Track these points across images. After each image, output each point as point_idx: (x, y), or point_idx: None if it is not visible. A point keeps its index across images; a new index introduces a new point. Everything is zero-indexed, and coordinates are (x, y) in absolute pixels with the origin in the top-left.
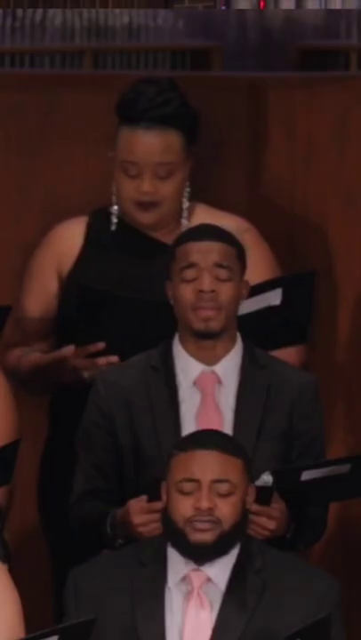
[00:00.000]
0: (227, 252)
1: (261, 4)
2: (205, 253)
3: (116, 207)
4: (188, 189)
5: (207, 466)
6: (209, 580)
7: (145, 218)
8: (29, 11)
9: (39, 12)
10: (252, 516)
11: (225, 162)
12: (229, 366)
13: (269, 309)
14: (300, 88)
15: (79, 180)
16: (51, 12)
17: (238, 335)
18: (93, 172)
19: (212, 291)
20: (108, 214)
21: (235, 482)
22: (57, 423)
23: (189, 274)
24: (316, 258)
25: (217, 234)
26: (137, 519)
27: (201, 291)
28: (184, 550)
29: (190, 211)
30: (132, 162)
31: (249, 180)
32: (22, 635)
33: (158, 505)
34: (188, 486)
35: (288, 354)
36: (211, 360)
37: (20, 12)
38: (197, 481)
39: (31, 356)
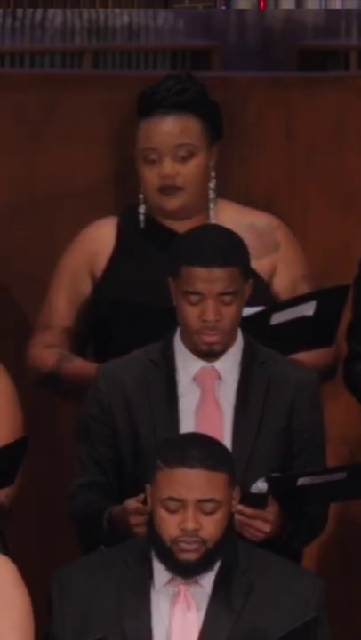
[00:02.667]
0: (232, 276)
1: (261, 3)
2: (210, 283)
3: (143, 206)
4: (214, 181)
5: (192, 485)
6: (195, 582)
7: (169, 204)
8: (29, 11)
9: (39, 12)
10: (247, 520)
11: (225, 161)
12: (230, 362)
13: (301, 319)
14: (300, 88)
15: (79, 180)
16: (51, 12)
17: (239, 331)
18: (93, 172)
19: (217, 320)
20: (137, 214)
21: (220, 499)
22: None
23: (193, 299)
24: (315, 258)
25: (223, 256)
26: (133, 519)
27: (205, 320)
28: (170, 567)
29: (217, 207)
30: (150, 147)
31: (248, 180)
32: (31, 634)
33: None
34: (173, 505)
35: (315, 354)
36: None
37: (20, 12)
38: (183, 500)
39: (73, 362)
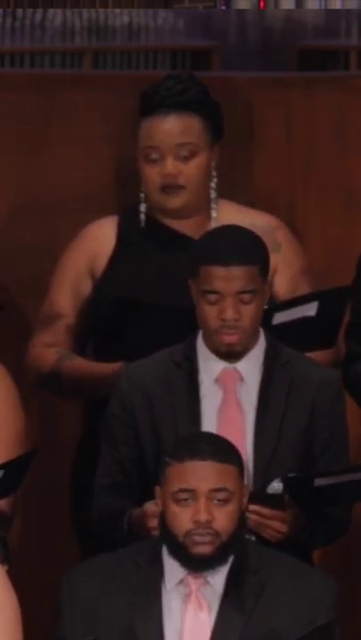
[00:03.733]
0: (250, 275)
1: (261, 3)
2: (229, 281)
3: (144, 205)
4: (215, 180)
5: (203, 476)
6: (206, 582)
7: (171, 203)
8: (29, 11)
9: (39, 12)
10: (263, 520)
11: (225, 161)
12: (252, 363)
13: (303, 319)
14: (300, 88)
15: (79, 180)
16: (51, 12)
17: (261, 331)
18: (93, 172)
19: (236, 320)
20: (138, 213)
21: (231, 489)
22: (91, 436)
23: (212, 298)
24: (315, 258)
25: (242, 254)
26: (151, 523)
27: (224, 319)
28: (184, 562)
29: (219, 207)
30: (152, 146)
31: (248, 180)
32: (19, 638)
33: None
34: (184, 496)
35: (317, 356)
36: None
37: (20, 12)
38: (194, 491)
39: (74, 361)
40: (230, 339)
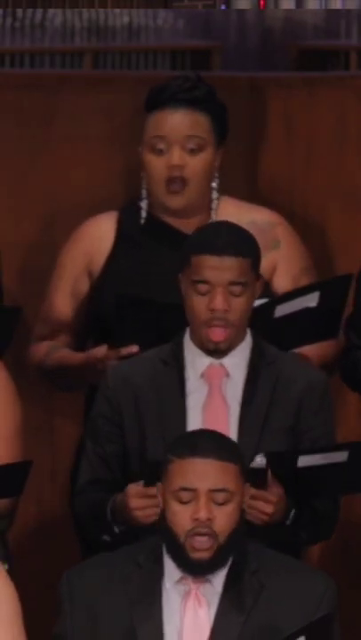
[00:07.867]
0: (241, 267)
1: (261, 3)
2: (220, 271)
3: (145, 201)
4: (217, 180)
5: (205, 475)
6: (206, 580)
7: (174, 202)
8: (29, 11)
9: (39, 12)
10: (249, 501)
11: (225, 161)
12: (238, 359)
13: (305, 310)
14: (300, 88)
15: (79, 180)
16: (51, 12)
17: (248, 330)
18: (94, 171)
19: (225, 310)
20: (138, 209)
21: (232, 489)
22: None
23: (203, 288)
24: (315, 257)
25: (234, 246)
26: (133, 503)
27: (213, 309)
28: (182, 565)
29: (219, 204)
30: (160, 136)
31: (249, 180)
32: (22, 634)
33: (154, 490)
34: (185, 496)
35: (321, 347)
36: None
37: (19, 11)
38: (195, 490)
39: (59, 352)
40: (218, 336)
